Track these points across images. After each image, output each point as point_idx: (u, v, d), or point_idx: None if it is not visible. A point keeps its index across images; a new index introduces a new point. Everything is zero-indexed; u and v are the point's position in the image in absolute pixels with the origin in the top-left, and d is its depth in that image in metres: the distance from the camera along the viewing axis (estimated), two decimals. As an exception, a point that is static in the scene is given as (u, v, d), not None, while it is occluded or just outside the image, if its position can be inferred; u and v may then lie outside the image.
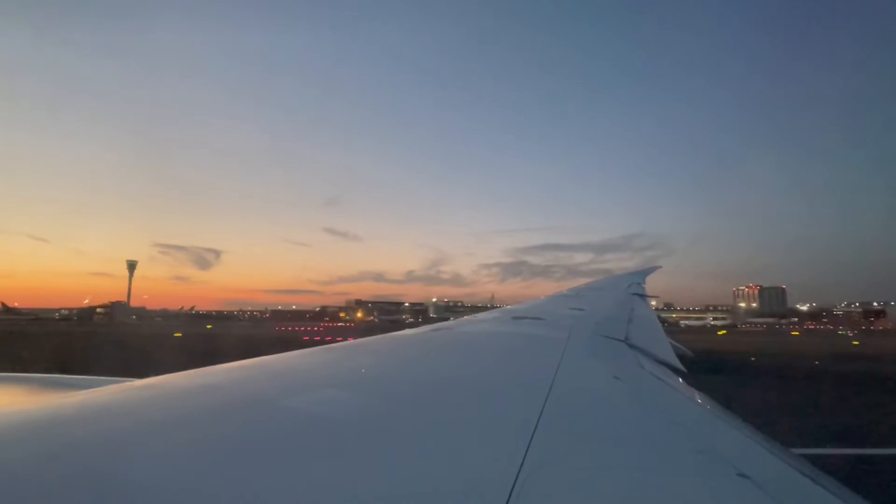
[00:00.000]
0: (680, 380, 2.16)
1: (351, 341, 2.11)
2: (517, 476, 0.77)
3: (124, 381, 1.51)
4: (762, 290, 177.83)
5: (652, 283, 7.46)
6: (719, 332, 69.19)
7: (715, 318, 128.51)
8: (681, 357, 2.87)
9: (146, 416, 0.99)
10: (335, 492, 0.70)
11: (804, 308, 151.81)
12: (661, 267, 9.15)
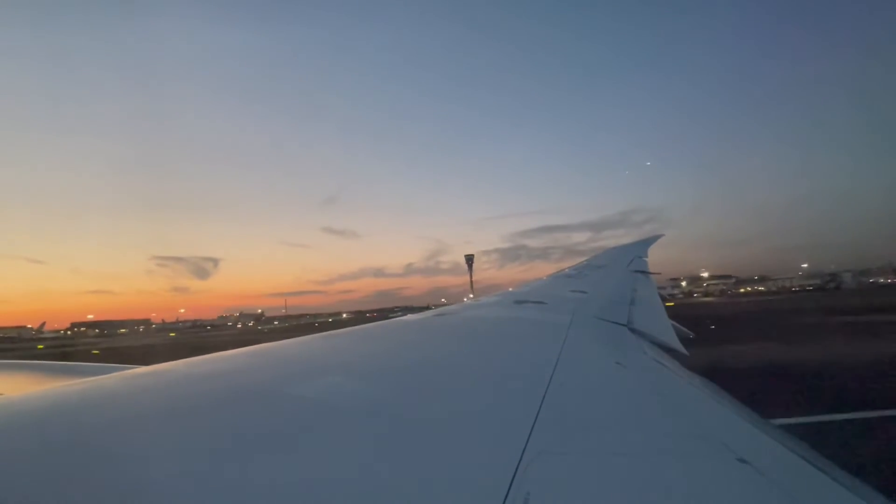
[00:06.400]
0: (681, 365, 2.17)
1: (353, 328, 2.10)
2: (519, 462, 0.78)
3: (128, 368, 1.50)
4: None
5: (654, 254, 7.41)
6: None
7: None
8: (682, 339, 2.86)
9: (151, 403, 0.99)
10: (334, 480, 0.70)
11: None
12: (663, 236, 8.91)
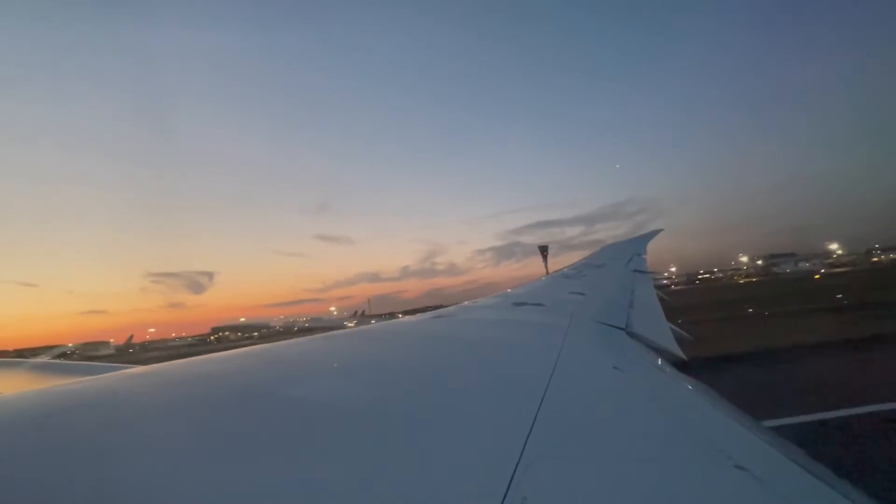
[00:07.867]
0: (678, 370, 2.14)
1: (351, 329, 2.08)
2: (516, 466, 0.78)
3: (126, 368, 1.49)
4: None
5: (652, 248, 7.38)
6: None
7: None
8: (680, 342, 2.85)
9: (149, 403, 0.98)
10: (331, 482, 0.70)
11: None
12: (662, 230, 8.80)
